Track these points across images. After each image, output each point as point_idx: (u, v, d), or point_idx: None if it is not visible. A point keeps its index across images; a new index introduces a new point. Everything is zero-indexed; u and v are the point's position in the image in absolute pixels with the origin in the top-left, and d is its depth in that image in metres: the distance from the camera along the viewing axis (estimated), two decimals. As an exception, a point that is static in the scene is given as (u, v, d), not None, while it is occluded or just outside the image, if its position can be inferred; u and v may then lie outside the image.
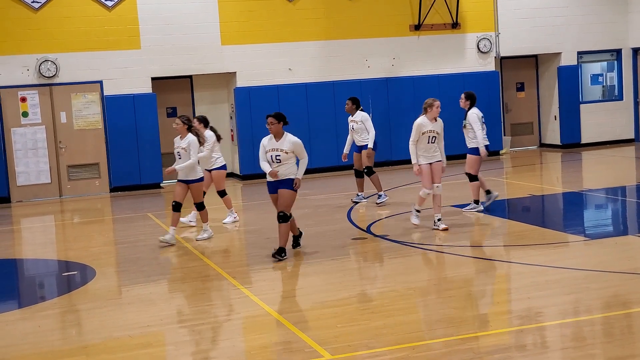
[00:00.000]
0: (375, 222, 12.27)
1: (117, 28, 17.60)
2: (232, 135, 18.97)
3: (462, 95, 12.73)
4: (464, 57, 19.86)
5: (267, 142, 10.32)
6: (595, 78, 21.48)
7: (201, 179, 11.62)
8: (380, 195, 13.79)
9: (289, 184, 10.12)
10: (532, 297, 7.91)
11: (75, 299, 8.98)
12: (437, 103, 11.36)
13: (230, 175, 18.94)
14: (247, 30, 18.32)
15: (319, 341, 6.83)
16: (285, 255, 10.00)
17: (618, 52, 21.19)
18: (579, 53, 20.86)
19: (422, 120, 11.32)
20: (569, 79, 20.73)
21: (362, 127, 13.71)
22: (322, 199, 15.05)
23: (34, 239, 13.59)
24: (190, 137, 11.36)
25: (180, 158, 11.33)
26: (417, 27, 19.36)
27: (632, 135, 21.28)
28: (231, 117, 18.94)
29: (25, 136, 17.24)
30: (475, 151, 12.50)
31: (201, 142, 11.63)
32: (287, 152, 10.19)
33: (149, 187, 17.85)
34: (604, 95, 21.58)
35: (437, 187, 11.33)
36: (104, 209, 16.05)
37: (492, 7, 19.98)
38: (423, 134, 11.27)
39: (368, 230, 11.64)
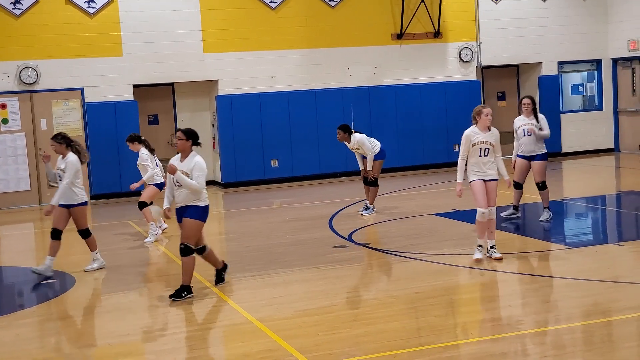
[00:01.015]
0: (356, 230, 12.26)
1: (98, 35, 17.53)
2: (213, 144, 18.92)
3: (526, 101, 12.05)
4: (445, 66, 19.94)
5: (174, 161, 8.85)
6: (575, 88, 21.65)
7: (84, 204, 10.26)
8: (368, 207, 13.64)
9: (193, 212, 8.71)
10: (513, 305, 7.93)
11: (55, 307, 8.91)
12: (487, 110, 9.74)
13: (212, 183, 18.92)
14: (229, 38, 18.31)
15: (300, 349, 6.80)
16: (188, 294, 8.70)
17: (598, 63, 21.36)
18: (560, 63, 21.01)
19: (471, 130, 9.76)
20: (550, 88, 20.86)
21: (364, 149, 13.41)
22: (304, 208, 15.04)
23: (13, 247, 13.47)
24: (71, 156, 10.23)
25: (60, 180, 10.22)
26: (399, 36, 19.43)
27: (612, 145, 21.44)
28: (213, 125, 18.90)
29: (5, 143, 17.11)
30: (545, 157, 12.14)
31: (82, 160, 10.31)
32: (188, 174, 8.70)
33: (130, 194, 17.73)
34: (584, 105, 21.73)
35: (490, 210, 9.76)
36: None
37: (474, 16, 20.09)
38: (473, 145, 9.70)
39: (349, 239, 11.64)
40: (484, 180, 9.73)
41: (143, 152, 12.49)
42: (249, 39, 18.43)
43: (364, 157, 13.61)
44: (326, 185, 17.97)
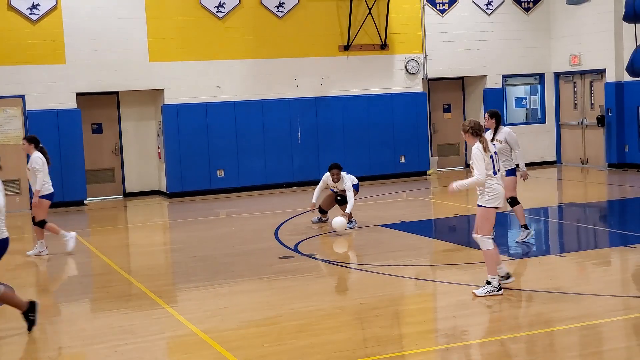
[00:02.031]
0: (302, 241, 12.22)
1: (41, 42, 17.22)
2: (159, 153, 18.72)
3: (486, 114, 11.28)
4: (392, 78, 20.08)
5: None
6: (519, 101, 21.99)
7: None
8: (351, 221, 13.04)
9: None
10: (458, 316, 7.97)
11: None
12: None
13: (157, 193, 18.71)
14: (175, 47, 18.15)
15: (245, 361, 6.73)
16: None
17: (541, 76, 21.74)
18: (504, 76, 21.33)
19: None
20: (494, 101, 21.14)
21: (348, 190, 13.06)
22: (250, 218, 14.95)
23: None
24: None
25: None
26: (346, 48, 19.51)
27: (554, 157, 21.81)
28: (158, 135, 18.69)
29: (-58, 151, 16.67)
30: (512, 172, 11.36)
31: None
32: None
33: (73, 204, 17.44)
34: (528, 117, 22.09)
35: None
36: (24, 226, 15.56)
37: (420, 29, 20.28)
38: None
39: (296, 249, 11.59)
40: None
41: (37, 155, 11.75)
42: (195, 49, 18.30)
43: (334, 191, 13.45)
44: (272, 196, 17.91)
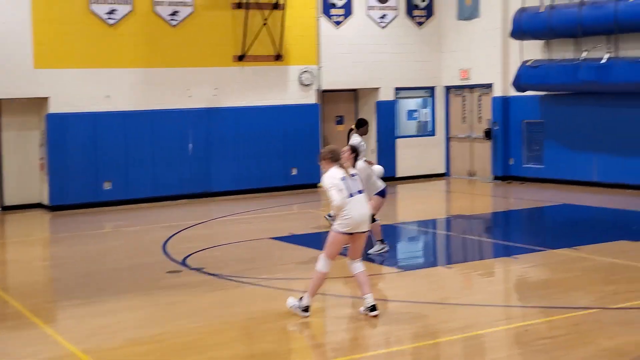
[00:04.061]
0: (191, 254, 11.97)
1: None
2: (41, 164, 18.01)
3: (346, 148, 10.57)
4: (286, 89, 20.04)
5: None
6: (411, 114, 22.33)
7: None
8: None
9: None
10: (346, 329, 7.95)
11: None
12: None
13: (39, 206, 17.99)
14: (63, 53, 17.54)
15: (125, 382, 6.49)
16: None
17: (432, 90, 22.16)
18: (397, 89, 21.62)
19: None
20: (387, 113, 21.42)
21: None
22: (137, 231, 14.57)
23: None
24: None
25: None
26: (241, 58, 19.35)
27: (443, 170, 22.25)
28: (41, 145, 17.99)
29: None
30: (381, 193, 11.46)
31: None
32: None
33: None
34: (419, 130, 22.46)
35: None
36: None
37: (315, 40, 20.34)
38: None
39: (184, 263, 11.34)
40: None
41: None
42: (84, 56, 17.73)
43: None
44: (162, 209, 17.53)
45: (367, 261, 11.19)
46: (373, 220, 11.32)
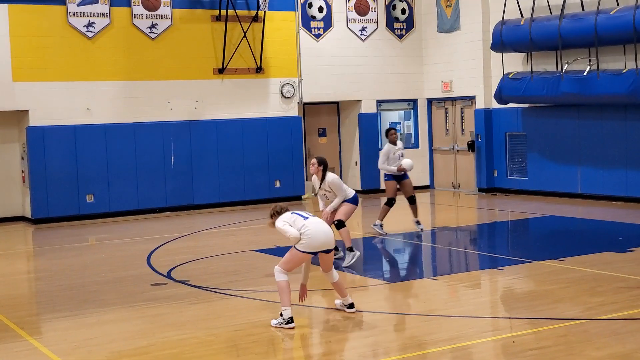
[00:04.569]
0: (175, 267, 11.90)
1: None
2: (23, 177, 17.88)
3: (314, 161, 11.34)
4: (267, 101, 20.03)
5: None
6: (393, 126, 22.35)
7: None
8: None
9: None
10: (333, 341, 7.91)
11: None
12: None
13: (21, 219, 17.85)
14: (42, 66, 17.44)
15: (112, 395, 6.41)
16: None
17: (414, 102, 22.23)
18: (378, 101, 21.68)
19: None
20: (369, 126, 21.46)
21: None
22: (121, 244, 14.47)
23: None
24: None
25: None
26: (221, 71, 19.33)
27: (427, 182, 22.28)
28: (22, 158, 17.85)
29: None
30: (353, 200, 11.54)
31: None
32: None
33: None
34: (402, 142, 22.44)
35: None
36: None
37: (295, 53, 20.35)
38: None
39: (168, 276, 11.27)
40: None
41: None
42: (63, 69, 17.64)
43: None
44: (145, 221, 17.43)
45: (351, 274, 11.19)
46: (342, 225, 11.35)
